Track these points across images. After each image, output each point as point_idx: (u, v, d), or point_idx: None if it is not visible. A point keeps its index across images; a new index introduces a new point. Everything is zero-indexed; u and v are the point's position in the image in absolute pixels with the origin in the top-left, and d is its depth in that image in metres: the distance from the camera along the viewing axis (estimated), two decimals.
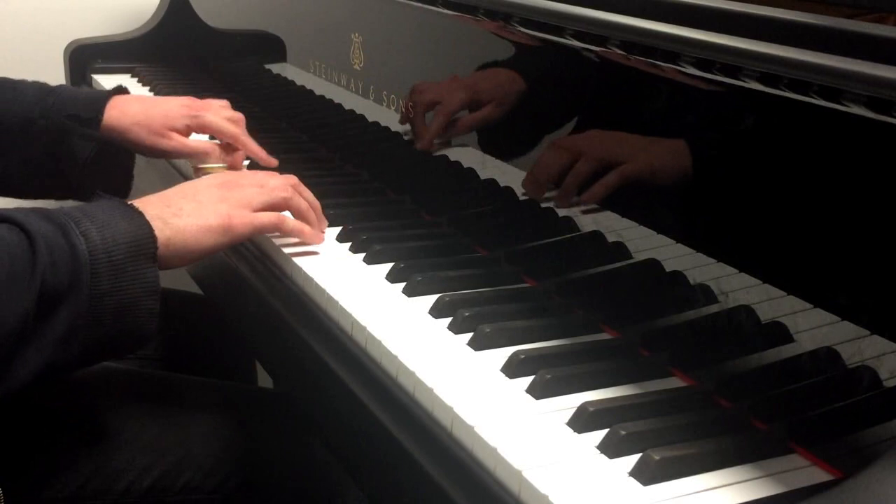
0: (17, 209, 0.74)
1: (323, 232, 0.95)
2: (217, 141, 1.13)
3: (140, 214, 0.78)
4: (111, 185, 1.12)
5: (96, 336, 0.74)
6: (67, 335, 0.72)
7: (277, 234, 0.94)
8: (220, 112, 1.12)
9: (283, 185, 0.92)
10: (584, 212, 0.86)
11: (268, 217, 0.88)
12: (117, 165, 1.14)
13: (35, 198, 1.14)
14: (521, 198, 0.94)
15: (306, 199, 0.93)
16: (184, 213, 0.82)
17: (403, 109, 1.08)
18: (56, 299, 0.71)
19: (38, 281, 0.70)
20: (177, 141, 1.09)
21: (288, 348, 0.87)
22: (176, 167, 1.24)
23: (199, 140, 1.12)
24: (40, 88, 1.11)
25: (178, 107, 1.11)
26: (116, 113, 1.09)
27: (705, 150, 0.75)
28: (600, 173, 0.83)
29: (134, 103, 1.11)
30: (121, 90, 1.13)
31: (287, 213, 0.92)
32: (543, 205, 0.91)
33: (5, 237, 0.71)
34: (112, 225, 0.75)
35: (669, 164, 0.78)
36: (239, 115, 1.13)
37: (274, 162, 1.13)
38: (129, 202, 0.80)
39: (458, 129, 1.01)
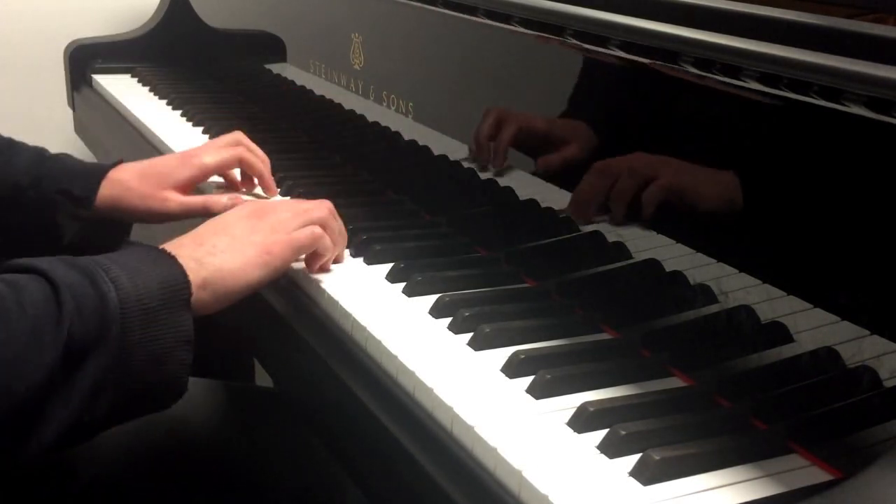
0: (40, 258, 0.70)
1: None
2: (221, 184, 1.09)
3: (172, 258, 0.74)
4: None
5: (125, 390, 0.69)
6: (95, 389, 0.67)
7: None
8: (216, 146, 1.07)
9: (317, 206, 0.88)
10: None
11: (304, 234, 0.84)
12: (108, 243, 1.06)
13: None
14: (521, 198, 0.94)
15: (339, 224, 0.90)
16: (218, 251, 0.78)
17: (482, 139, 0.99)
18: (83, 351, 0.66)
19: (64, 333, 0.65)
20: (173, 201, 1.02)
21: (288, 348, 0.87)
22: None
23: (196, 197, 1.05)
24: (36, 155, 1.05)
25: (173, 160, 1.05)
26: (107, 184, 1.02)
27: (704, 150, 0.75)
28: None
29: (124, 170, 1.04)
30: (120, 162, 1.06)
31: None
32: (543, 205, 0.91)
33: (28, 288, 0.67)
34: (143, 271, 0.71)
35: (661, 159, 0.78)
36: (237, 136, 1.08)
37: (274, 190, 1.09)
38: (160, 246, 0.76)
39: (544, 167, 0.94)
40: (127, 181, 1.02)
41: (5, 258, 1.02)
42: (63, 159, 1.06)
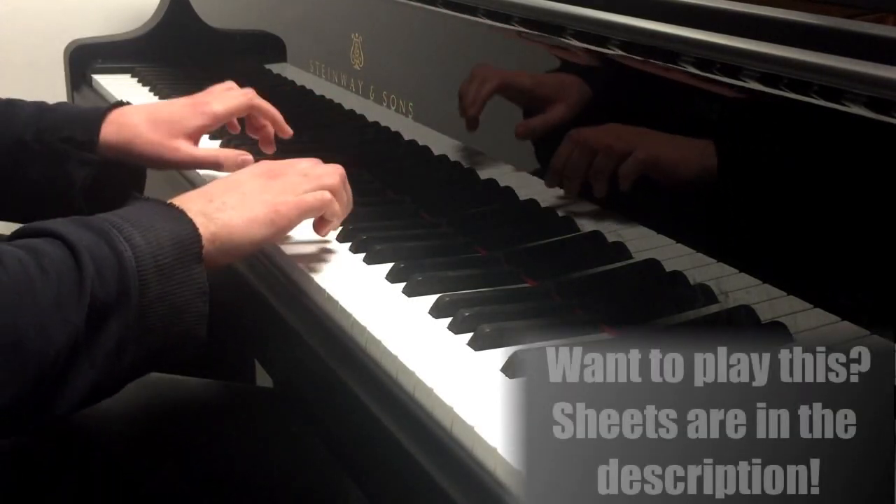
0: (54, 220, 0.71)
1: None
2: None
3: (182, 213, 0.75)
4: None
5: (147, 345, 0.70)
6: (118, 347, 0.68)
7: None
8: (225, 95, 1.07)
9: (331, 172, 0.88)
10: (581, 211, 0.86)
11: (313, 197, 0.85)
12: (123, 187, 1.03)
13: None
14: (521, 198, 0.94)
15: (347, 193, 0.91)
16: (227, 207, 0.79)
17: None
18: (105, 311, 0.67)
19: (87, 295, 0.66)
20: (184, 152, 1.03)
21: (287, 348, 0.87)
22: (185, 176, 1.17)
23: (208, 148, 1.06)
24: (37, 108, 1.04)
25: (183, 108, 1.04)
26: (114, 128, 1.01)
27: (704, 151, 0.75)
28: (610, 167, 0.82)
29: (133, 114, 1.03)
30: (121, 104, 1.06)
31: None
32: (543, 205, 0.91)
33: (48, 252, 0.67)
34: (155, 227, 0.72)
35: (661, 159, 0.78)
36: (246, 89, 1.08)
37: (289, 131, 1.11)
38: (169, 201, 0.77)
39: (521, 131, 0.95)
40: (136, 126, 1.02)
41: (22, 213, 1.02)
42: (62, 107, 1.05)
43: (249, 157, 1.05)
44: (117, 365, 0.69)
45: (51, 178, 1.02)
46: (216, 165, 1.03)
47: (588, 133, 0.86)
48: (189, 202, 0.77)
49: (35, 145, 1.01)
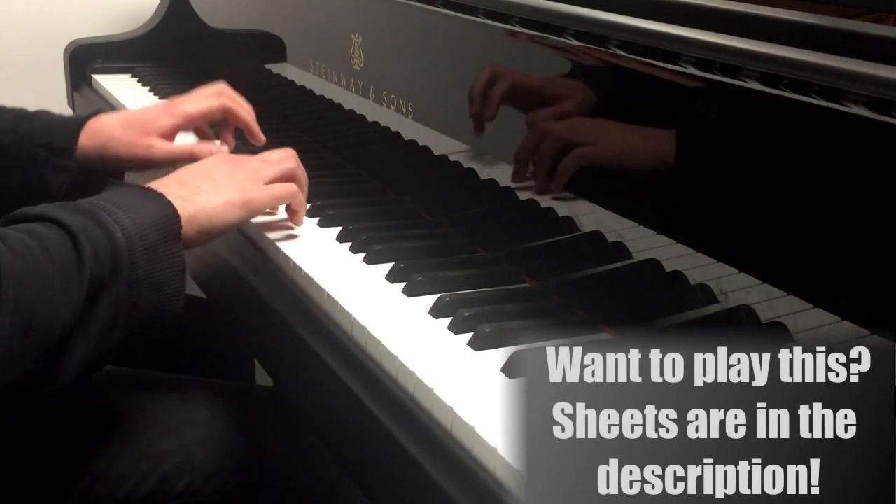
0: (44, 206, 0.75)
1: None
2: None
3: (162, 195, 0.79)
4: None
5: (133, 320, 0.75)
6: (110, 322, 0.73)
7: (277, 232, 0.96)
8: (199, 96, 1.08)
9: (286, 156, 0.95)
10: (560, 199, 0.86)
11: (284, 188, 0.92)
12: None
13: None
14: (521, 198, 0.94)
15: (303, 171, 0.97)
16: (202, 191, 0.84)
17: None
18: (100, 289, 0.72)
19: (87, 275, 0.70)
20: (158, 148, 1.04)
21: (288, 348, 0.87)
22: None
23: (182, 144, 1.06)
24: (17, 115, 1.07)
25: (155, 109, 1.07)
26: (89, 134, 1.04)
27: (705, 150, 0.75)
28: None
29: (107, 119, 1.06)
30: (98, 113, 1.07)
31: None
32: (543, 205, 0.91)
33: (48, 235, 0.71)
34: (140, 209, 0.77)
35: (661, 158, 0.78)
36: (220, 87, 1.09)
37: (262, 139, 1.11)
38: (147, 184, 0.82)
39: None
40: (110, 129, 1.05)
41: None
42: (42, 115, 1.08)
43: (224, 147, 1.08)
44: (109, 339, 0.73)
45: (27, 184, 1.05)
46: (190, 157, 1.03)
47: (588, 135, 0.86)
48: (165, 186, 0.82)
49: (13, 150, 1.04)
